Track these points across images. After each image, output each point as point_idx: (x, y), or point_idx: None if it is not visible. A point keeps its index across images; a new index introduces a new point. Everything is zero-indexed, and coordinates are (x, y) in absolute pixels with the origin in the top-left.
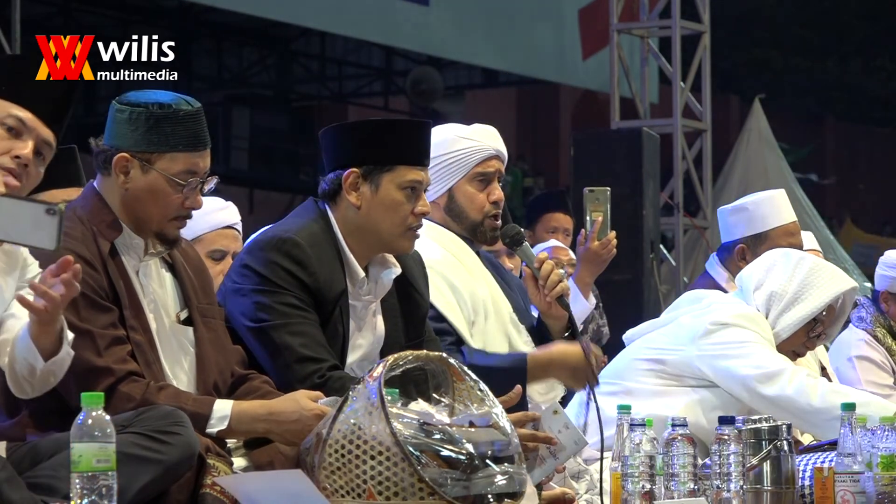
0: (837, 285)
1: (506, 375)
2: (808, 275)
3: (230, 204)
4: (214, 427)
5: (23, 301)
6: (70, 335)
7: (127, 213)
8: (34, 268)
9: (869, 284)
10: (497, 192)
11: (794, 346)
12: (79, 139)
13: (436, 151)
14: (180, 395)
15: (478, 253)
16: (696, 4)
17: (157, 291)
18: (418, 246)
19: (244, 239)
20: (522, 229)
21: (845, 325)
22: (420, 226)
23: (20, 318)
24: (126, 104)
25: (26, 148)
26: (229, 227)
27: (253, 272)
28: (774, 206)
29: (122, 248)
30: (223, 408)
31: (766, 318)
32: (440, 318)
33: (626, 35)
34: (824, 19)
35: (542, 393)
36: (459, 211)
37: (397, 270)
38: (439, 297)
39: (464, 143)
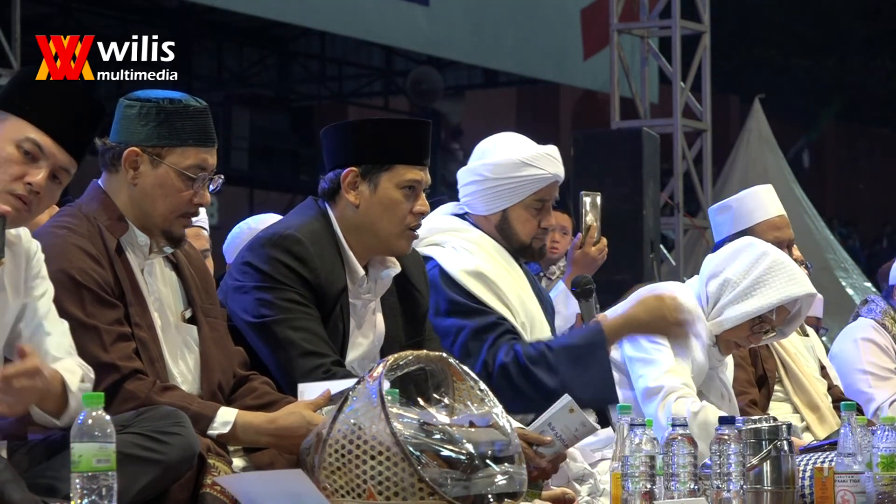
0: (790, 289)
1: (586, 350)
2: (765, 272)
3: None
4: (216, 430)
5: None
6: (75, 384)
7: (134, 210)
8: (39, 261)
9: (869, 284)
10: (549, 218)
11: (736, 337)
12: None
13: (498, 172)
14: (185, 396)
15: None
16: (696, 4)
17: (162, 290)
18: (464, 257)
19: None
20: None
21: (854, 318)
22: (419, 226)
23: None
24: (135, 100)
25: (39, 175)
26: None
27: (254, 269)
28: (758, 201)
29: (127, 246)
30: (227, 414)
31: (716, 304)
32: (487, 312)
33: (627, 35)
34: (824, 19)
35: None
36: (511, 232)
37: (397, 269)
38: (492, 299)
39: (528, 171)
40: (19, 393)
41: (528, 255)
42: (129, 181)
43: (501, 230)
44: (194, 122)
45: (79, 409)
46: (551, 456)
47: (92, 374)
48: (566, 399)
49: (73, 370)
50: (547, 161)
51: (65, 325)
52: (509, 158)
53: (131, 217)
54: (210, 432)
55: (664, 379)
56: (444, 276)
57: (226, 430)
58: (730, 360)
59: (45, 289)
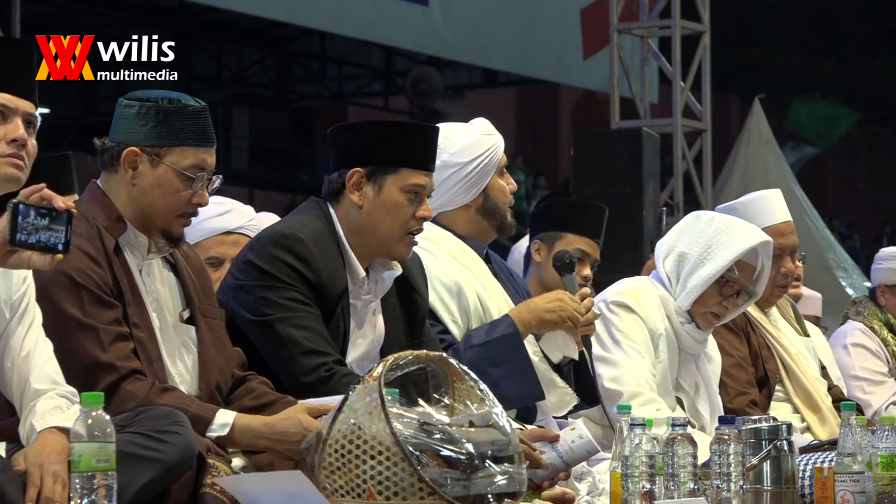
0: (744, 241)
1: (504, 343)
2: (715, 233)
3: (232, 208)
4: (215, 432)
5: None
6: (70, 421)
7: (132, 210)
8: (30, 288)
9: (868, 284)
10: (512, 181)
11: (709, 306)
12: (79, 139)
13: (473, 152)
14: (184, 398)
15: (488, 261)
16: (696, 4)
17: (160, 290)
18: (422, 251)
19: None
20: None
21: (844, 321)
22: (420, 230)
23: (26, 330)
24: (135, 100)
25: (18, 128)
26: (228, 232)
27: (255, 268)
28: (764, 205)
29: (126, 246)
30: (225, 416)
31: (678, 280)
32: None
33: (627, 35)
34: (824, 19)
35: (554, 403)
36: (494, 207)
37: (398, 271)
38: (437, 302)
39: (491, 140)
40: None
41: (508, 228)
42: (128, 181)
43: (485, 210)
44: (193, 122)
45: None
46: (550, 475)
47: (76, 397)
48: (574, 421)
49: (61, 407)
50: (491, 126)
51: (49, 348)
52: (472, 137)
53: (130, 217)
54: (208, 434)
55: (625, 380)
56: None
57: (224, 432)
58: (716, 353)
59: (31, 319)
